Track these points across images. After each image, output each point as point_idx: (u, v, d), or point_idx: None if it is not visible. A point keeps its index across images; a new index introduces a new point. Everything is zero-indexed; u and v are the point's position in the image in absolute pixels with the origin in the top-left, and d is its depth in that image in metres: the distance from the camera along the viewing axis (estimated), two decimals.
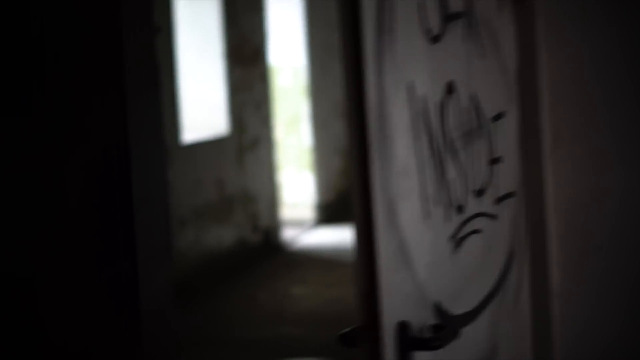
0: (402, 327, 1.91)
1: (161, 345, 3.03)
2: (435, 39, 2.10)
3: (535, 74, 2.60)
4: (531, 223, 2.64)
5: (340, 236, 9.82)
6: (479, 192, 2.31)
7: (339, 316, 7.13)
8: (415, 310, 1.98)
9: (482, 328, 2.30)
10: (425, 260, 2.03)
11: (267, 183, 9.16)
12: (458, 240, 2.18)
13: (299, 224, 10.13)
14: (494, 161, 2.40)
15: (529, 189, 2.61)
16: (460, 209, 2.19)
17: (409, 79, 1.98)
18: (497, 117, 2.43)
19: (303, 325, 7.03)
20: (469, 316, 2.25)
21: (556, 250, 2.70)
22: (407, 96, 1.97)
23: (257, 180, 8.97)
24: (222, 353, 6.40)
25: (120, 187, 2.81)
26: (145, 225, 2.91)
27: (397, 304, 1.91)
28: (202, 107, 8.40)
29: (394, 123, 1.92)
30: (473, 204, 2.26)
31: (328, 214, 10.38)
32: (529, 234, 2.64)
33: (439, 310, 2.08)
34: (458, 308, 2.18)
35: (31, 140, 2.78)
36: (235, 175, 8.63)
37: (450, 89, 2.16)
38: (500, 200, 2.43)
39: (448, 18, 2.14)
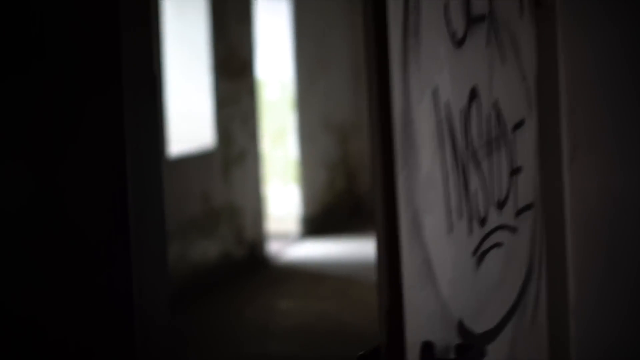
0: (427, 347, 1.80)
1: (155, 356, 2.91)
2: (460, 43, 1.99)
3: (556, 79, 2.50)
4: (549, 235, 2.54)
5: (326, 249, 9.71)
6: (500, 204, 2.20)
7: (328, 332, 7.02)
8: (440, 329, 1.86)
9: (502, 347, 2.19)
10: (449, 277, 1.92)
11: (253, 196, 9.04)
12: (480, 255, 2.07)
13: (284, 237, 10.01)
14: (515, 171, 2.29)
15: (548, 200, 2.51)
16: (482, 221, 2.08)
17: (433, 84, 1.87)
18: (518, 125, 2.32)
19: (291, 342, 6.90)
20: (491, 335, 2.13)
21: (573, 263, 2.59)
22: (432, 102, 1.86)
23: (243, 194, 8.85)
24: None
25: (116, 196, 2.69)
26: (141, 233, 2.79)
27: (422, 322, 1.80)
28: (188, 120, 8.27)
29: (419, 131, 1.81)
30: (494, 216, 2.16)
31: (313, 227, 10.26)
32: (546, 246, 2.54)
33: (462, 329, 1.97)
34: (480, 326, 2.07)
35: (25, 140, 2.66)
36: (221, 189, 8.50)
37: (473, 95, 2.05)
38: (520, 212, 2.32)
39: (472, 21, 2.04)
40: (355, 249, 9.71)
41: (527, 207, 2.38)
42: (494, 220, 2.15)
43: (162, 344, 2.94)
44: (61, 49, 2.72)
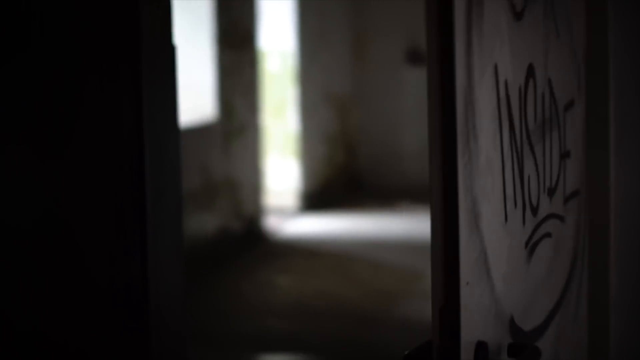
0: (481, 348, 1.65)
1: (170, 345, 2.78)
2: (519, 15, 1.83)
3: (606, 59, 2.34)
4: (592, 224, 2.38)
5: (324, 225, 9.56)
6: (551, 191, 2.04)
7: (327, 309, 6.87)
8: (493, 328, 1.71)
9: (548, 344, 2.03)
10: (503, 270, 1.76)
11: (252, 170, 8.88)
12: (532, 246, 1.92)
13: (282, 211, 9.86)
14: (564, 156, 2.13)
15: (592, 187, 2.35)
16: (534, 210, 1.93)
17: (494, 60, 1.71)
18: (568, 105, 2.16)
19: (290, 318, 6.76)
20: (538, 332, 1.98)
21: (615, 254, 2.44)
22: (492, 80, 1.70)
23: (242, 167, 8.69)
24: (206, 348, 6.11)
25: (133, 178, 2.53)
26: (158, 220, 2.63)
27: (476, 321, 1.65)
28: (189, 91, 8.09)
29: (480, 110, 1.65)
30: (545, 204, 2.00)
31: (312, 202, 10.11)
32: (589, 237, 2.38)
33: (514, 327, 1.82)
34: (528, 323, 1.92)
35: (34, 123, 2.50)
36: (221, 162, 8.33)
37: (530, 72, 1.89)
38: (567, 199, 2.17)
39: None
40: (354, 225, 9.57)
41: (574, 194, 2.23)
42: (545, 208, 1.99)
43: (177, 333, 2.80)
44: (81, 21, 2.55)
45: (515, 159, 1.81)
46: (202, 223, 8.02)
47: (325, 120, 10.56)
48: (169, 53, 2.69)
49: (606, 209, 2.39)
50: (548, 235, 2.01)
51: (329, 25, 10.60)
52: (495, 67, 1.71)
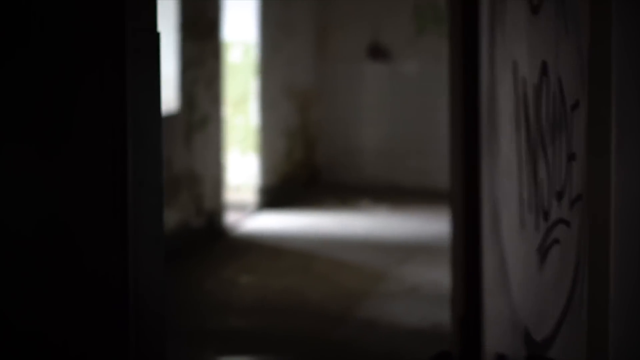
0: None
1: (152, 339, 2.68)
2: (536, 9, 1.73)
3: (608, 58, 2.25)
4: (593, 228, 2.30)
5: (284, 222, 9.45)
6: (559, 195, 1.95)
7: (291, 309, 6.77)
8: (511, 339, 1.62)
9: (558, 355, 1.95)
10: (519, 279, 1.67)
11: (214, 164, 8.74)
12: (543, 253, 1.83)
13: (241, 207, 9.73)
14: (570, 158, 2.05)
15: (592, 191, 2.27)
16: (546, 215, 1.84)
17: (513, 56, 1.62)
18: (574, 106, 2.08)
19: (254, 318, 6.65)
20: (548, 342, 1.89)
21: (614, 259, 2.36)
22: (511, 77, 1.61)
23: (203, 161, 8.55)
24: (171, 346, 5.97)
25: (116, 173, 2.42)
26: (139, 213, 2.53)
27: (496, 332, 1.55)
28: None
29: (500, 109, 1.55)
30: (555, 208, 1.91)
31: (271, 197, 10.00)
32: (589, 240, 2.30)
33: (528, 338, 1.73)
34: (540, 333, 1.83)
35: (20, 109, 2.38)
36: (183, 155, 8.19)
37: (544, 70, 1.80)
38: (572, 203, 2.08)
39: None
40: (314, 222, 9.47)
41: (578, 198, 2.14)
42: (554, 213, 1.91)
43: (159, 326, 2.70)
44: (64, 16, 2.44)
45: (530, 161, 1.72)
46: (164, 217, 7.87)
47: (286, 115, 10.45)
48: (153, 40, 2.57)
49: (607, 212, 2.30)
50: (557, 241, 1.93)
51: (292, 18, 10.49)
52: (515, 64, 1.62)
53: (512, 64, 1.60)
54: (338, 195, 10.74)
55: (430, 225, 9.53)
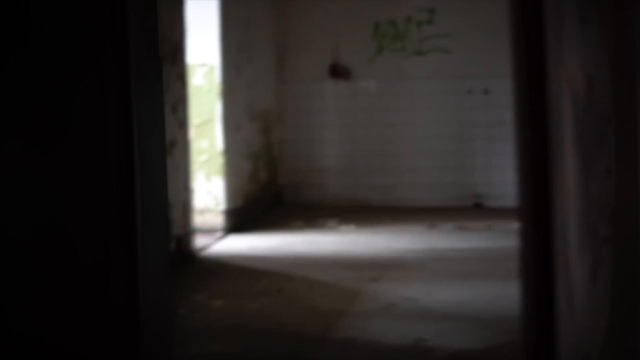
0: None
1: (160, 344, 2.65)
2: (584, 20, 1.68)
3: (635, 73, 2.20)
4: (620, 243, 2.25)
5: (251, 243, 9.38)
6: (602, 211, 1.90)
7: (269, 332, 6.68)
8: None
9: None
10: (580, 301, 1.61)
11: (181, 189, 8.64)
12: (594, 272, 1.77)
13: (209, 231, 9.64)
14: (609, 172, 2.00)
15: (626, 205, 2.22)
16: (594, 232, 1.78)
17: (570, 69, 1.56)
18: (609, 120, 2.02)
19: (232, 342, 6.54)
20: None
21: None
22: (570, 91, 1.55)
23: (171, 186, 8.44)
24: None
25: (123, 187, 2.37)
26: (147, 234, 2.49)
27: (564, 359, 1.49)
28: None
29: (564, 125, 1.49)
30: (601, 225, 1.86)
31: (238, 220, 9.91)
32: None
33: None
34: (594, 356, 1.77)
35: (33, 122, 2.31)
36: None
37: (590, 83, 1.75)
38: (611, 219, 2.03)
39: None
40: (282, 243, 9.40)
41: (614, 213, 2.09)
42: (601, 229, 1.85)
43: (166, 331, 2.65)
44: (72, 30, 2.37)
45: (584, 177, 1.67)
46: None
47: (249, 137, 10.38)
48: (156, 64, 2.52)
49: (636, 227, 2.25)
50: (604, 258, 1.87)
51: (253, 40, 10.44)
52: (572, 76, 1.57)
53: (568, 77, 1.55)
54: (304, 215, 10.68)
55: (397, 241, 9.52)
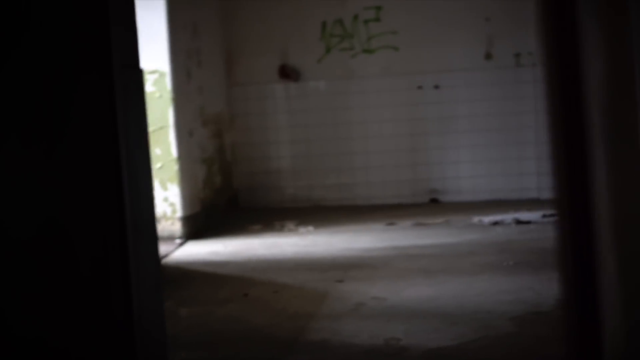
0: None
1: (155, 347, 2.65)
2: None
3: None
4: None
5: (211, 249, 9.34)
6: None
7: (240, 337, 6.65)
8: None
9: None
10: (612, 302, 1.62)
11: None
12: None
13: (167, 238, 9.58)
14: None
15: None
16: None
17: (596, 65, 1.57)
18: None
19: (203, 349, 6.50)
20: None
21: None
22: (602, 87, 1.56)
23: None
24: None
25: (112, 189, 2.37)
26: (138, 249, 2.48)
27: None
28: None
29: (597, 124, 1.50)
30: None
31: (195, 226, 9.86)
32: None
33: None
34: None
35: (21, 128, 2.30)
36: None
37: (611, 80, 1.76)
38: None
39: None
40: (242, 248, 9.37)
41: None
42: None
43: (159, 332, 2.65)
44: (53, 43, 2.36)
45: (607, 172, 1.68)
46: None
47: (202, 142, 10.33)
48: (137, 76, 2.53)
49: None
50: None
51: (202, 45, 10.39)
52: (604, 73, 1.58)
53: (602, 72, 1.56)
54: (261, 218, 10.66)
55: (357, 240, 9.52)
